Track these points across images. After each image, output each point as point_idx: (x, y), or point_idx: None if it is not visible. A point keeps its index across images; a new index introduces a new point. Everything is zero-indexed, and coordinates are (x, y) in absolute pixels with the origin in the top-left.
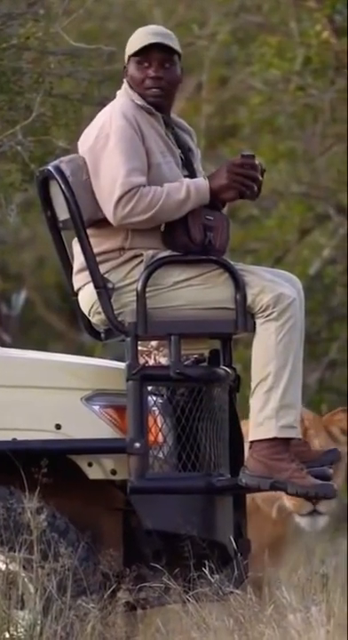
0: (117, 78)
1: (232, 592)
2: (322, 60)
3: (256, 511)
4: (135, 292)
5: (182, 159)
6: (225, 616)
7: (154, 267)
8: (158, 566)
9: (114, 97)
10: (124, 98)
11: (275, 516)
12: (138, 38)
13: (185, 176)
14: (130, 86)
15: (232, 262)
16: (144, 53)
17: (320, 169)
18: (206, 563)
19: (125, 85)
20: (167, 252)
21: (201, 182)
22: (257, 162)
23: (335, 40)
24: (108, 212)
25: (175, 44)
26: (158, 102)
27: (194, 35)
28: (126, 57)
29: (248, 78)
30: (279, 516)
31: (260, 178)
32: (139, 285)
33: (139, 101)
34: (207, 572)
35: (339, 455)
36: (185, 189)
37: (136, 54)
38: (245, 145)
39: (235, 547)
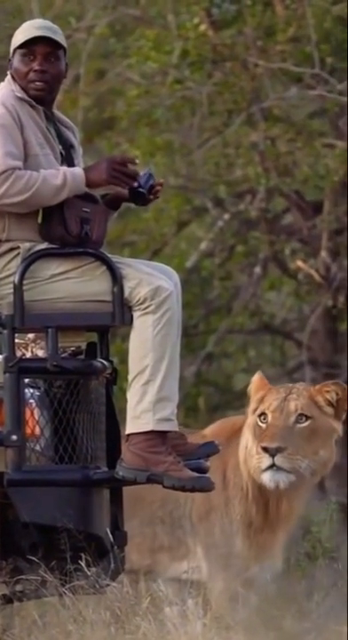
0: None
1: (108, 585)
2: (200, 53)
3: None
4: (12, 285)
5: (62, 154)
6: (102, 609)
7: (31, 259)
8: (35, 559)
9: None
10: (6, 89)
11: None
12: (25, 31)
13: None
14: (14, 79)
15: (109, 255)
16: (29, 46)
17: (197, 162)
18: (83, 555)
19: (8, 77)
20: (44, 245)
21: (78, 171)
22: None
23: (212, 33)
24: None
25: (60, 39)
26: (41, 95)
27: (72, 27)
28: (11, 49)
29: (125, 71)
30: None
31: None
32: (16, 278)
33: (20, 94)
34: (83, 565)
35: (217, 448)
36: (61, 176)
37: (21, 47)
38: (123, 138)
39: (112, 539)
